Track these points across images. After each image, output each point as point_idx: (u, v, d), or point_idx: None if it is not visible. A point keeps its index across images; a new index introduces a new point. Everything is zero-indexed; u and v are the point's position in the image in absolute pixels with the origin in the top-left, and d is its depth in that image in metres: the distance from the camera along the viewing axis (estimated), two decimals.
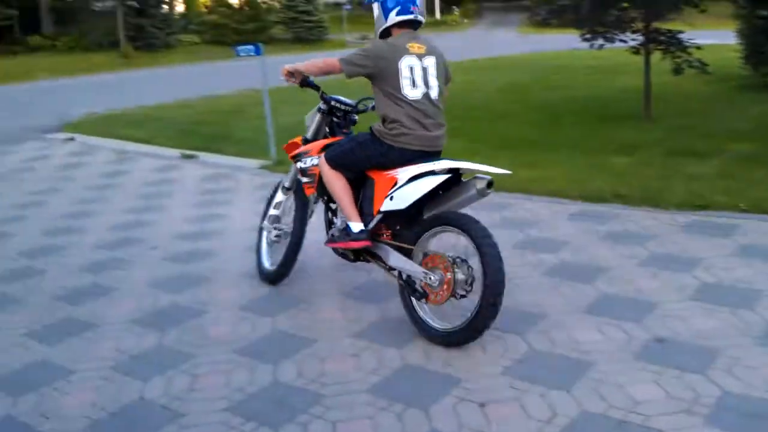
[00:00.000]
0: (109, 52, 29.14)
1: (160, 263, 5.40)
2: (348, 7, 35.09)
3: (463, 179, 3.76)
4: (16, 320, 4.47)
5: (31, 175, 8.81)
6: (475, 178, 3.66)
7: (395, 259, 3.85)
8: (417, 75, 3.77)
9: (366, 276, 4.82)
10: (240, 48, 8.56)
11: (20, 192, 8.02)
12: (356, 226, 3.93)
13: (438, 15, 41.89)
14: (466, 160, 3.65)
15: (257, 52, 8.42)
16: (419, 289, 3.72)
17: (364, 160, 3.90)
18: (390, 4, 3.85)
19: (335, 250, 4.26)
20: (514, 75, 17.13)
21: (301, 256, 4.70)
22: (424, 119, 3.76)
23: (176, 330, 4.16)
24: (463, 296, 3.61)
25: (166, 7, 34.27)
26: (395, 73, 3.74)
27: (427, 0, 46.24)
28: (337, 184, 3.97)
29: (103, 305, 4.61)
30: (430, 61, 3.84)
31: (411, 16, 3.86)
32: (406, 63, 3.76)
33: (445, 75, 4.00)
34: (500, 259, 3.45)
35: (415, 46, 3.83)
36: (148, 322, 4.31)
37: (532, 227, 5.68)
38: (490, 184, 3.61)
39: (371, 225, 3.94)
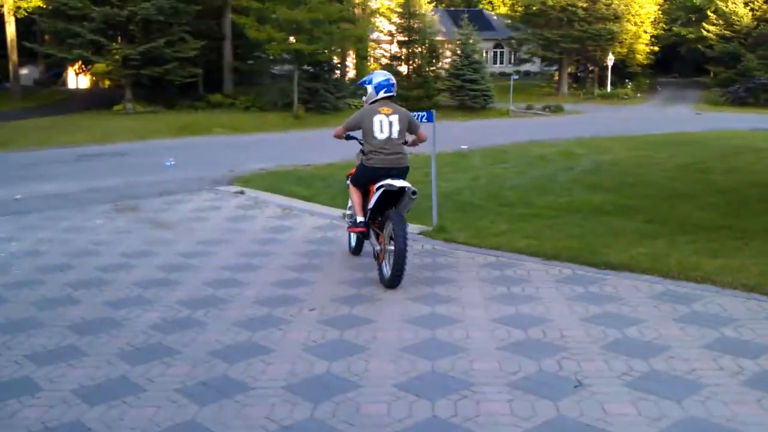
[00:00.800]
0: (282, 112, 30.62)
1: (318, 327, 5.22)
2: (516, 77, 35.03)
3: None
4: (170, 373, 4.41)
5: (201, 225, 9.09)
6: (408, 188, 6.22)
7: (372, 239, 6.64)
8: (384, 126, 6.39)
9: (536, 366, 4.38)
10: (413, 115, 8.46)
11: (189, 241, 8.25)
12: (359, 218, 6.56)
13: (609, 88, 40.89)
14: (409, 185, 6.26)
15: (429, 119, 8.30)
16: (375, 254, 6.60)
17: (360, 177, 6.60)
18: (378, 89, 6.60)
19: (351, 239, 7.47)
20: (691, 153, 16.09)
21: (463, 336, 4.32)
22: (384, 150, 6.35)
23: (329, 403, 3.91)
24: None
25: (338, 72, 35.79)
26: (370, 125, 6.38)
27: (599, 74, 45.54)
28: (353, 194, 6.73)
29: (257, 366, 4.47)
30: (394, 118, 6.47)
31: (390, 94, 6.61)
32: (377, 119, 6.40)
33: (408, 125, 6.65)
34: (404, 242, 6.01)
35: (385, 110, 6.49)
36: (301, 390, 4.09)
37: (727, 326, 5.00)
38: (414, 192, 6.27)
39: (366, 218, 6.55)
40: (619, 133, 21.63)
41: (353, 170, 6.90)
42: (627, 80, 43.83)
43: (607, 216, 9.20)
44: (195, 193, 11.37)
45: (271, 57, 31.90)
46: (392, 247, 6.07)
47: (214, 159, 17.04)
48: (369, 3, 38.35)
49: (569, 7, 38.04)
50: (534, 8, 39.00)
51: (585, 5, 38.12)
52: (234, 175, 13.46)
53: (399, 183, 6.20)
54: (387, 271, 6.23)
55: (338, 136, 6.93)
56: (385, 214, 6.38)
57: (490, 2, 68.58)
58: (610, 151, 16.91)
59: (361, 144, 6.68)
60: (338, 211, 9.56)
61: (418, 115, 8.38)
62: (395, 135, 6.41)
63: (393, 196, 6.32)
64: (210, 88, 34.70)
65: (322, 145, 20.39)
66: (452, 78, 34.32)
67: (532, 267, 6.77)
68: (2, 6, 35.45)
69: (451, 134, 23.66)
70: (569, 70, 44.54)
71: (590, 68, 45.73)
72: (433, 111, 8.48)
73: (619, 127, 24.22)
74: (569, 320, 5.27)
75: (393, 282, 6.11)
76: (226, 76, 34.50)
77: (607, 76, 43.29)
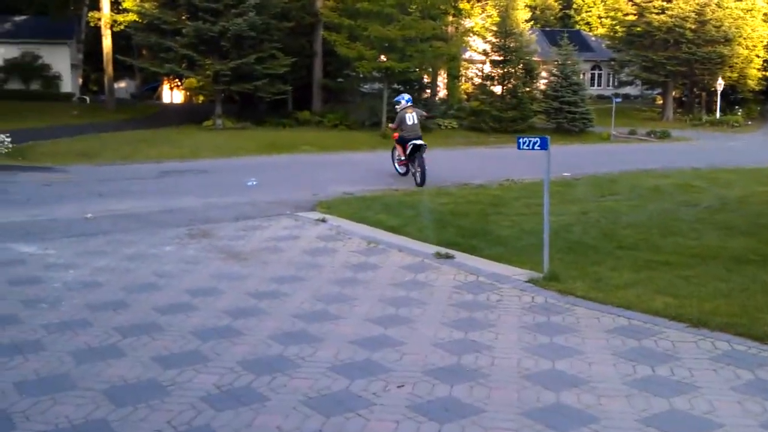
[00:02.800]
0: (370, 131, 29.78)
1: (407, 414, 4.04)
2: (618, 100, 33.06)
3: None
4: None
5: (277, 258, 8.08)
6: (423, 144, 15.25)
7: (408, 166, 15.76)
8: (412, 117, 15.47)
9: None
10: (522, 140, 7.24)
11: (261, 277, 7.24)
12: (402, 157, 15.77)
13: (718, 114, 38.28)
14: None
15: (543, 147, 7.04)
16: (411, 174, 15.53)
17: (401, 141, 15.54)
18: (407, 102, 16.12)
19: (397, 168, 16.28)
20: None
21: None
22: (413, 129, 15.42)
23: None
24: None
25: (428, 91, 34.80)
26: (404, 119, 15.47)
27: (707, 99, 42.86)
28: (399, 148, 15.86)
29: None
30: (414, 113, 15.67)
31: (411, 104, 16.20)
32: (408, 115, 15.49)
33: (420, 115, 16.13)
34: (424, 162, 15.01)
35: (409, 110, 15.71)
36: None
37: None
38: (425, 145, 15.33)
39: (404, 157, 15.58)
40: (738, 164, 19.64)
41: (395, 135, 15.75)
42: (736, 106, 41.00)
43: (753, 267, 7.68)
44: (273, 219, 10.41)
45: (360, 75, 31.17)
46: (419, 169, 14.93)
47: (297, 179, 16.19)
48: (462, 21, 37.25)
49: (676, 29, 35.84)
50: (638, 29, 36.96)
51: (693, 27, 35.84)
52: (317, 198, 12.49)
53: (419, 141, 15.18)
54: (418, 179, 14.92)
55: (395, 130, 15.74)
56: (413, 156, 15.21)
57: (588, 23, 66.45)
58: (735, 185, 15.12)
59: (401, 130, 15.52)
60: (431, 248, 8.38)
61: (530, 143, 7.16)
62: (416, 121, 15.55)
63: (416, 148, 15.12)
64: (299, 106, 34.29)
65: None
66: (549, 99, 32.72)
67: (676, 337, 5.38)
68: (99, 20, 36.17)
69: (543, 160, 22.20)
70: (674, 94, 42.09)
71: (697, 93, 43.12)
72: (548, 138, 7.20)
73: (736, 157, 22.14)
74: (745, 427, 3.90)
75: (423, 181, 14.77)
76: (315, 94, 34.01)
77: (715, 102, 40.63)
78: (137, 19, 31.40)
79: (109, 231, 9.47)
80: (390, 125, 17.07)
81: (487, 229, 10.08)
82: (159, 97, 51.83)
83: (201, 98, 44.51)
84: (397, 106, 16.33)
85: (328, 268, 7.63)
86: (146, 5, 30.65)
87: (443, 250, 8.13)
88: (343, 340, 5.33)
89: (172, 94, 51.55)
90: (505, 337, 5.43)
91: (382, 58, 28.14)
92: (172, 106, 46.02)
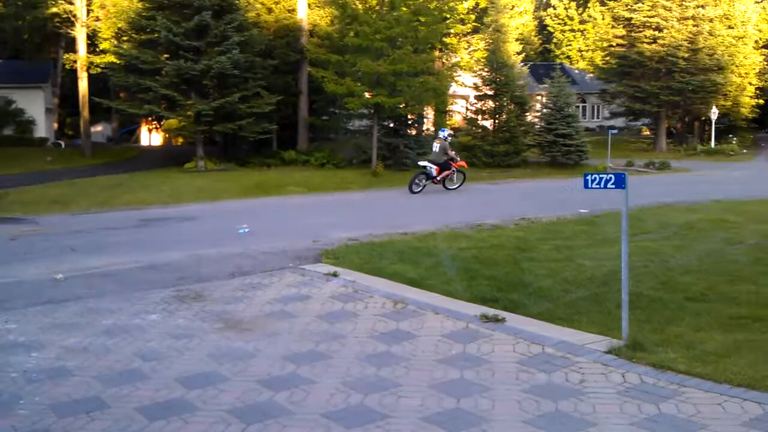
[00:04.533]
0: (359, 169, 28.49)
1: None
2: (614, 131, 32.05)
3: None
4: None
5: (287, 326, 6.65)
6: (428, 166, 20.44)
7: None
8: (434, 147, 20.94)
9: None
10: (591, 177, 5.93)
11: (271, 355, 5.82)
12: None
13: (713, 143, 37.43)
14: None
15: (619, 185, 5.74)
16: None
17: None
18: (440, 132, 21.95)
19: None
20: None
21: None
22: (432, 156, 20.76)
23: None
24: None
25: (416, 127, 33.64)
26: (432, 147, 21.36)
27: (701, 128, 42.09)
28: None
29: None
30: (437, 144, 20.72)
31: (439, 137, 21.35)
32: (434, 144, 21.23)
33: (442, 147, 20.61)
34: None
35: (438, 141, 20.92)
36: None
37: None
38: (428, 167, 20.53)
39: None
40: (756, 194, 18.48)
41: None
42: (730, 135, 40.26)
43: None
44: (275, 274, 8.96)
45: (347, 112, 29.98)
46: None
47: (292, 224, 14.78)
48: (449, 56, 36.35)
49: (669, 57, 35.12)
50: (628, 59, 36.19)
51: (686, 55, 35.14)
52: (319, 246, 11.07)
53: (422, 163, 20.90)
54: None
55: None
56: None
57: (568, 57, 66.11)
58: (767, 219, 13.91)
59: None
60: (471, 308, 6.99)
61: (601, 180, 5.85)
62: (436, 150, 20.54)
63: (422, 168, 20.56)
64: (283, 145, 32.96)
65: (412, 208, 18.03)
66: (543, 133, 31.65)
67: None
68: (75, 62, 34.84)
69: (557, 195, 21.01)
70: (674, 125, 41.38)
71: (687, 121, 42.42)
72: (626, 174, 5.89)
73: (748, 187, 21.01)
74: None
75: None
76: (300, 132, 32.71)
77: (707, 131, 39.86)
78: (115, 60, 30.07)
79: (82, 296, 7.96)
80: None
81: (523, 280, 8.70)
82: (137, 140, 50.27)
83: (180, 140, 43.08)
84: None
85: (352, 339, 6.21)
86: (124, 45, 29.31)
87: (490, 312, 6.74)
88: None
89: (150, 137, 50.06)
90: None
91: (367, 95, 26.99)
92: (150, 149, 44.46)
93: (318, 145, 33.02)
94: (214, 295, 7.97)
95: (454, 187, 20.96)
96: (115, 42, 31.07)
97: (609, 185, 5.83)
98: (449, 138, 21.99)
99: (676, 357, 5.41)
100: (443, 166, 20.47)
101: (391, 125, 29.78)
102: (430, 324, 6.56)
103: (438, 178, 20.34)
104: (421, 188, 20.26)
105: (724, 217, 14.04)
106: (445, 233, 12.31)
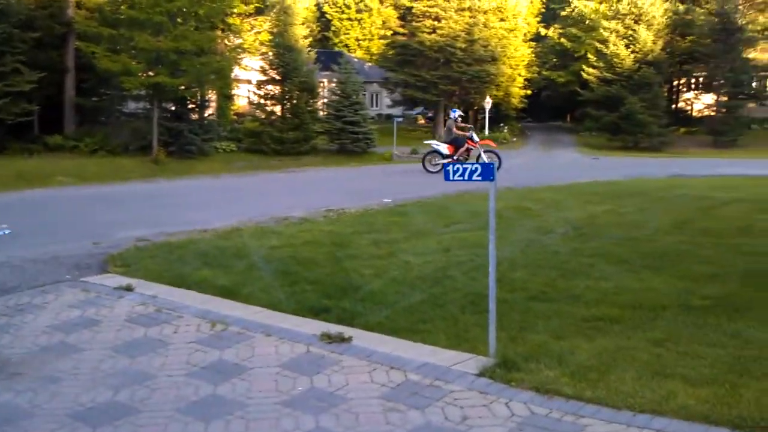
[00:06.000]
0: (138, 156, 25.97)
1: None
2: (399, 119, 32.29)
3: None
4: None
5: (73, 368, 5.10)
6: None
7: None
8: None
9: None
10: (454, 168, 5.08)
11: (53, 414, 4.32)
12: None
13: (487, 132, 39.23)
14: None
15: (487, 177, 4.95)
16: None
17: None
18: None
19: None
20: (663, 208, 13.70)
21: None
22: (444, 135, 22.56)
23: None
24: None
25: (205, 111, 31.52)
26: None
27: (476, 116, 43.96)
28: None
29: None
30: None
31: (449, 116, 23.33)
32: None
33: (447, 127, 22.33)
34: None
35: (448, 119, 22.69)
36: None
37: None
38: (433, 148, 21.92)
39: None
40: (541, 182, 19.17)
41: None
42: (501, 124, 42.52)
43: (715, 317, 6.17)
44: (50, 291, 7.17)
45: (124, 92, 27.21)
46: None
47: (66, 222, 12.64)
48: (233, 38, 34.48)
49: (447, 48, 36.10)
50: (412, 46, 36.70)
51: (464, 46, 36.33)
52: (103, 250, 9.30)
53: (429, 141, 23.91)
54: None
55: None
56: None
57: (347, 45, 66.47)
58: (564, 205, 14.21)
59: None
60: (306, 324, 5.90)
61: (465, 172, 5.04)
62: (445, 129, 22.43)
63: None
64: (47, 129, 29.20)
65: (207, 200, 16.41)
66: (332, 120, 31.08)
67: None
68: None
69: (351, 185, 20.40)
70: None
71: (462, 110, 44.19)
72: (494, 164, 5.12)
73: (530, 175, 21.81)
74: None
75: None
76: (67, 115, 29.15)
77: (481, 120, 41.80)
78: None
79: None
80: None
81: (351, 282, 7.75)
82: None
83: None
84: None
85: (164, 379, 4.85)
86: None
87: (332, 329, 5.67)
88: None
89: None
90: None
91: (150, 73, 24.62)
92: None
93: (89, 129, 29.68)
94: None
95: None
96: None
97: (475, 177, 5.02)
98: (458, 119, 22.27)
99: (555, 376, 4.73)
100: (455, 144, 21.07)
101: (173, 108, 27.52)
102: (263, 350, 5.36)
103: (455, 156, 20.67)
104: (439, 168, 20.10)
105: (524, 205, 14.14)
106: (252, 229, 11.05)
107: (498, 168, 19.84)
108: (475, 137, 21.74)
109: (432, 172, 20.79)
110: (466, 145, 21.18)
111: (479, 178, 5.01)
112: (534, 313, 6.58)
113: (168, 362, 5.15)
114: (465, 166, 5.10)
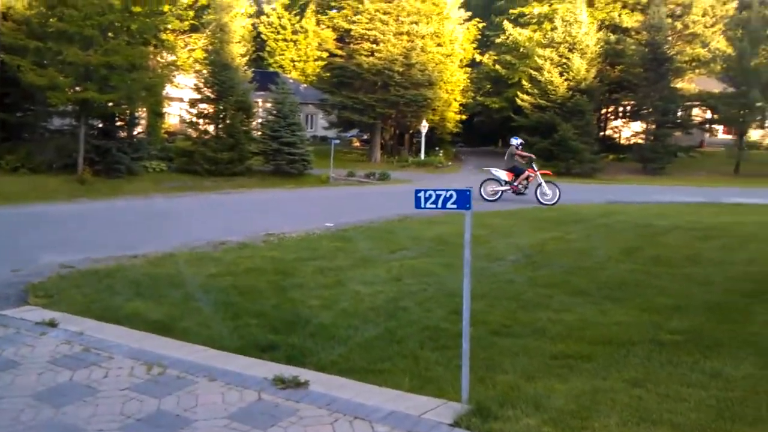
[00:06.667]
0: (62, 175, 24.72)
1: None
2: (336, 141, 31.85)
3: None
4: None
5: None
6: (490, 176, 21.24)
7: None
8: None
9: None
10: (425, 194, 4.66)
11: None
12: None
13: (423, 156, 39.14)
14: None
15: (462, 205, 4.54)
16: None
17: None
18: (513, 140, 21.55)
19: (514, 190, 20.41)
20: (607, 235, 13.61)
21: None
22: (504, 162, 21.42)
23: None
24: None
25: (135, 130, 30.36)
26: None
27: (411, 140, 43.90)
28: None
29: None
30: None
31: (511, 144, 21.35)
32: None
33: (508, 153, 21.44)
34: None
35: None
36: None
37: None
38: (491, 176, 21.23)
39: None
40: (485, 207, 19.00)
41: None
42: (437, 148, 42.55)
43: (688, 354, 5.88)
44: None
45: (49, 108, 25.91)
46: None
47: None
48: (165, 55, 33.46)
49: (385, 71, 35.96)
50: (350, 68, 36.41)
51: (401, 70, 36.26)
52: (23, 278, 8.50)
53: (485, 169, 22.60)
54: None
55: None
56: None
57: (281, 66, 65.82)
58: (511, 231, 13.99)
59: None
60: (254, 366, 5.32)
61: (438, 199, 4.62)
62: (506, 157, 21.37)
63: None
64: None
65: (136, 222, 15.55)
66: (268, 140, 30.38)
67: None
68: None
69: (290, 207, 19.82)
70: (387, 137, 42.61)
71: (398, 134, 44.09)
72: (470, 191, 4.70)
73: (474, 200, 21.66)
74: None
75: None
76: None
77: (416, 143, 41.73)
78: None
79: None
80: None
81: (299, 315, 7.20)
82: None
83: None
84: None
85: None
86: None
87: (285, 372, 5.12)
88: None
89: None
90: None
91: (78, 88, 23.51)
92: None
93: (10, 146, 28.18)
94: None
95: (549, 201, 19.78)
96: None
97: (449, 205, 4.60)
98: (520, 146, 21.22)
99: (536, 424, 4.31)
100: (515, 171, 20.79)
101: (101, 125, 26.36)
102: (207, 398, 4.76)
103: (515, 183, 20.57)
104: (498, 195, 20.53)
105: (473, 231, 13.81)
106: (186, 255, 10.36)
107: (557, 201, 19.60)
108: (535, 166, 20.97)
109: (488, 200, 20.17)
110: (527, 173, 20.68)
111: (454, 206, 4.60)
112: (499, 349, 6.17)
113: (98, 412, 4.51)
114: (439, 192, 4.67)
